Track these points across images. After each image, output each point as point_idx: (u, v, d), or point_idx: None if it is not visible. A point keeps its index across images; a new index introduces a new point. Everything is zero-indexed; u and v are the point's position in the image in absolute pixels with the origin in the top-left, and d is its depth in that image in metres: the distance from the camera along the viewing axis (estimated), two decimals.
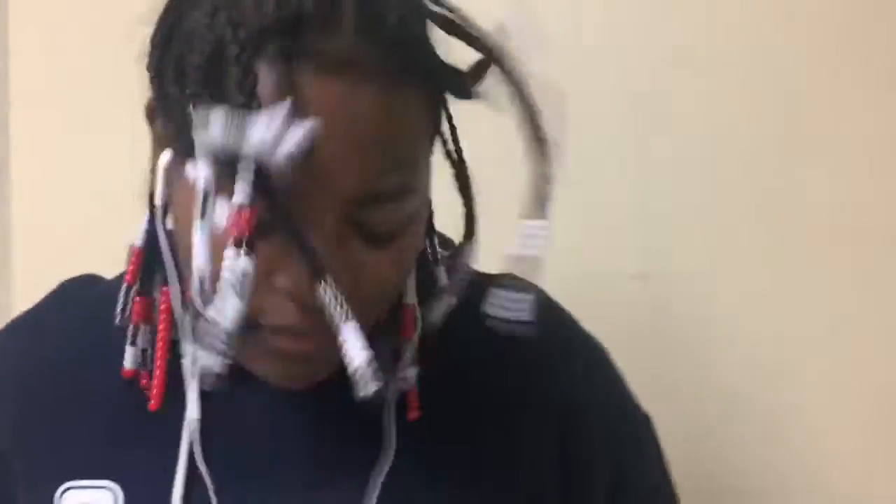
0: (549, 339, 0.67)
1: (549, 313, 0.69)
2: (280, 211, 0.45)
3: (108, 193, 1.21)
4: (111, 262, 1.19)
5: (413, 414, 0.60)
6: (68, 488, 0.60)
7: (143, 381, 0.60)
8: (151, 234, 0.60)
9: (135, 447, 0.60)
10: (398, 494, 0.59)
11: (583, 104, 1.00)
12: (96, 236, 1.23)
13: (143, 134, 1.14)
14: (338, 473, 0.59)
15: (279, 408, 0.58)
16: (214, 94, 0.45)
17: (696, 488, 0.81)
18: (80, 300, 0.66)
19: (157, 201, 0.56)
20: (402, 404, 0.60)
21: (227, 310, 0.43)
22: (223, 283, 0.44)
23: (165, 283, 0.60)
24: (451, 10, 0.53)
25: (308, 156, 0.44)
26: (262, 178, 0.43)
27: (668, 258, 1.00)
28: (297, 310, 0.49)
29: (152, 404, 0.59)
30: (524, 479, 0.65)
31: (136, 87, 1.14)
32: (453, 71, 0.52)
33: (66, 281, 0.69)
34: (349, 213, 0.48)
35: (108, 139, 1.22)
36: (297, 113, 0.43)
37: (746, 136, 0.98)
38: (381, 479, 0.59)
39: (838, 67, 0.97)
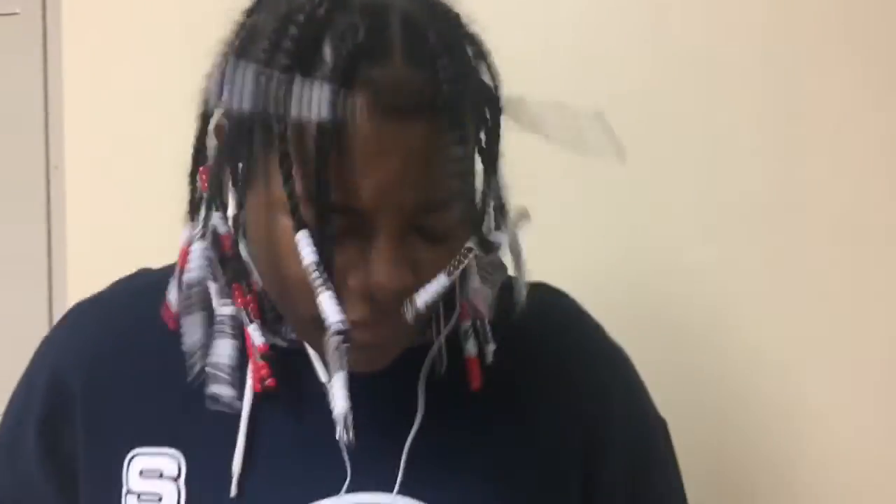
0: (580, 345, 0.74)
1: (581, 322, 0.76)
2: (351, 223, 0.54)
3: (161, 195, 1.30)
4: (162, 261, 1.28)
5: (476, 384, 0.66)
6: (136, 455, 0.65)
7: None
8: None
9: (198, 419, 0.65)
10: (425, 461, 0.64)
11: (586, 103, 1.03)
12: (147, 237, 1.31)
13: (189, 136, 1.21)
14: (376, 438, 0.64)
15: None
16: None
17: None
18: (144, 285, 0.73)
19: (230, 212, 0.62)
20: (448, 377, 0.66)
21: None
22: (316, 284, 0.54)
23: (238, 280, 0.65)
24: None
25: (370, 175, 0.53)
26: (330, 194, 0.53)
27: (677, 256, 1.02)
28: (365, 306, 0.57)
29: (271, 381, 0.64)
30: (545, 465, 0.68)
31: (188, 89, 1.22)
32: (491, 92, 0.59)
33: (126, 276, 0.76)
34: (410, 220, 0.56)
35: (160, 142, 1.29)
36: (355, 140, 0.52)
37: (748, 133, 0.99)
38: (408, 444, 0.64)
39: (839, 66, 0.96)
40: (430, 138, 0.54)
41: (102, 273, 1.31)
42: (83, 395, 0.68)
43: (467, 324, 0.66)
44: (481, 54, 0.60)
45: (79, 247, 1.34)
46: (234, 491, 0.63)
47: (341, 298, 0.54)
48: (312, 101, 0.51)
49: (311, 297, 0.54)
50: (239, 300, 0.63)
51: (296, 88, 0.52)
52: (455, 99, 0.54)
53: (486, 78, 0.60)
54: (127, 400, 0.67)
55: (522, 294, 0.65)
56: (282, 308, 0.63)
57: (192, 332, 0.63)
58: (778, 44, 0.97)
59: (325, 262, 0.54)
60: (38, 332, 1.34)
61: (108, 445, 0.66)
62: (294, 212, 0.54)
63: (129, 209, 1.31)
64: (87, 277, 1.33)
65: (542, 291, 0.74)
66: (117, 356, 0.68)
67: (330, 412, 0.57)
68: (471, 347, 0.66)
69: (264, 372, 0.62)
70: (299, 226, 0.54)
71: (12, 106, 1.40)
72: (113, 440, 0.66)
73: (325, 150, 0.52)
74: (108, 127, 1.32)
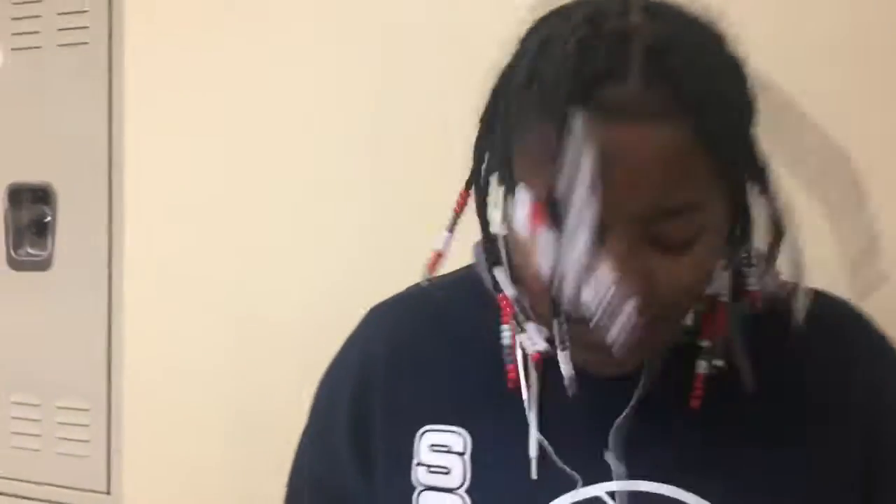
0: (856, 349, 0.72)
1: (859, 326, 0.74)
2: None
3: (213, 207, 1.41)
4: (214, 269, 1.37)
5: (695, 402, 0.67)
6: (427, 430, 0.71)
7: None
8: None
9: (484, 403, 0.71)
10: (697, 455, 0.66)
11: None
12: (202, 247, 1.42)
13: (251, 145, 1.29)
14: (647, 431, 0.67)
15: (601, 386, 0.65)
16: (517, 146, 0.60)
17: None
18: (436, 287, 0.74)
19: (496, 230, 0.67)
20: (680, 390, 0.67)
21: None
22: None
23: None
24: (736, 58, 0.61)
25: (599, 188, 0.55)
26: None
27: None
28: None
29: (510, 383, 0.70)
30: (818, 467, 0.68)
31: (245, 95, 1.30)
32: (741, 106, 0.60)
33: (415, 283, 0.77)
34: (642, 229, 0.58)
35: (214, 160, 1.41)
36: (589, 151, 0.54)
37: None
38: (683, 459, 0.66)
39: None
40: (660, 149, 0.56)
41: (158, 277, 1.43)
42: (385, 378, 0.75)
43: (707, 341, 0.67)
44: (736, 73, 0.61)
45: (136, 256, 1.47)
46: (534, 474, 0.67)
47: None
48: (556, 118, 0.55)
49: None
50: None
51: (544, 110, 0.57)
52: (689, 111, 0.56)
53: (739, 95, 0.61)
54: (422, 383, 0.73)
55: (802, 303, 0.65)
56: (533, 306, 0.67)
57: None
58: None
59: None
60: (97, 334, 1.49)
61: (404, 422, 0.73)
62: (551, 212, 0.56)
63: (184, 222, 1.43)
64: (143, 280, 1.47)
65: (821, 298, 0.73)
66: (414, 345, 0.75)
67: (601, 404, 0.65)
68: (703, 364, 0.67)
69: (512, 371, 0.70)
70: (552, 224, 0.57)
71: (80, 124, 1.51)
72: (407, 418, 0.73)
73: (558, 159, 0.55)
74: (165, 143, 1.44)
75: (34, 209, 1.56)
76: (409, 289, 0.80)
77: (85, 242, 1.51)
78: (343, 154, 1.32)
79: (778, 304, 0.66)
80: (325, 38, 1.34)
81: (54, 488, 1.52)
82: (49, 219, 1.55)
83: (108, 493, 1.48)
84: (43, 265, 1.55)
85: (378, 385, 0.75)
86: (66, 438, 1.52)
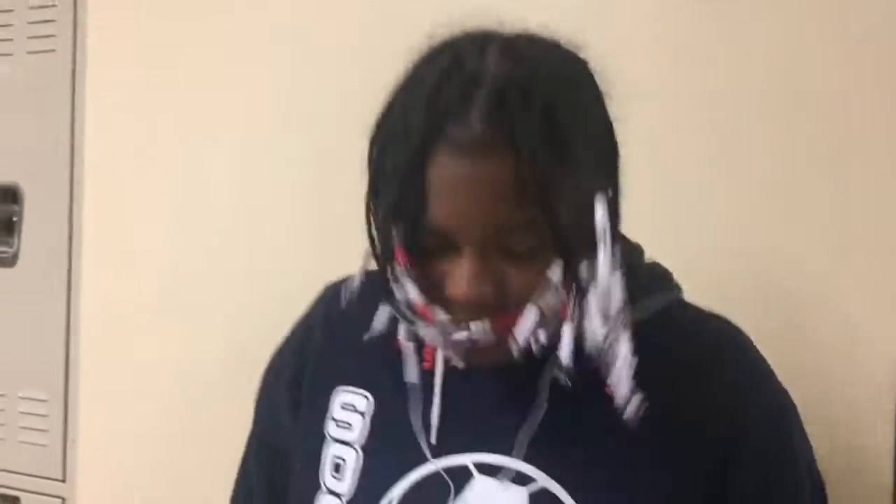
0: (722, 354, 0.79)
1: (729, 334, 0.81)
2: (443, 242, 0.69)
3: (173, 202, 1.46)
4: (174, 263, 1.43)
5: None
6: (340, 390, 0.84)
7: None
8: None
9: (385, 372, 0.81)
10: (543, 452, 0.74)
11: None
12: (155, 252, 1.48)
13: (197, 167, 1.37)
14: (506, 415, 0.76)
15: (475, 371, 0.76)
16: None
17: None
18: (371, 273, 0.82)
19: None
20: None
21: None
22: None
23: None
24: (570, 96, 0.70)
25: (445, 202, 0.67)
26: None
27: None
28: (457, 311, 0.70)
29: (426, 364, 0.80)
30: (673, 474, 0.75)
31: (199, 102, 1.37)
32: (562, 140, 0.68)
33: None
34: (491, 241, 0.69)
35: (168, 169, 1.46)
36: (436, 182, 0.67)
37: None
38: (529, 438, 0.74)
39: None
40: (491, 180, 0.67)
41: (116, 276, 1.49)
42: (320, 343, 0.88)
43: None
44: (578, 108, 0.70)
45: (95, 256, 1.52)
46: (433, 439, 0.77)
47: (440, 301, 0.71)
48: (410, 150, 0.68)
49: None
50: None
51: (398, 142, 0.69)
52: (516, 146, 0.66)
53: (575, 127, 0.69)
54: (343, 350, 0.86)
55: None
56: None
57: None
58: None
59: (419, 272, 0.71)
60: (57, 328, 1.55)
61: (325, 381, 0.85)
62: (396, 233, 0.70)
63: (141, 222, 1.49)
64: (101, 278, 1.52)
65: (705, 316, 0.81)
66: (343, 317, 0.86)
67: (470, 390, 0.76)
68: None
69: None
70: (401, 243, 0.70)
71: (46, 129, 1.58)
72: (329, 377, 0.85)
73: (416, 184, 0.68)
74: (123, 148, 1.50)
75: (3, 209, 1.63)
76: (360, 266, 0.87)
77: (48, 241, 1.58)
78: (302, 158, 1.37)
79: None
80: (290, 39, 1.38)
81: (14, 475, 1.59)
82: (16, 218, 1.61)
83: (64, 480, 1.55)
84: (9, 262, 1.62)
85: (313, 349, 0.88)
86: (26, 428, 1.59)
